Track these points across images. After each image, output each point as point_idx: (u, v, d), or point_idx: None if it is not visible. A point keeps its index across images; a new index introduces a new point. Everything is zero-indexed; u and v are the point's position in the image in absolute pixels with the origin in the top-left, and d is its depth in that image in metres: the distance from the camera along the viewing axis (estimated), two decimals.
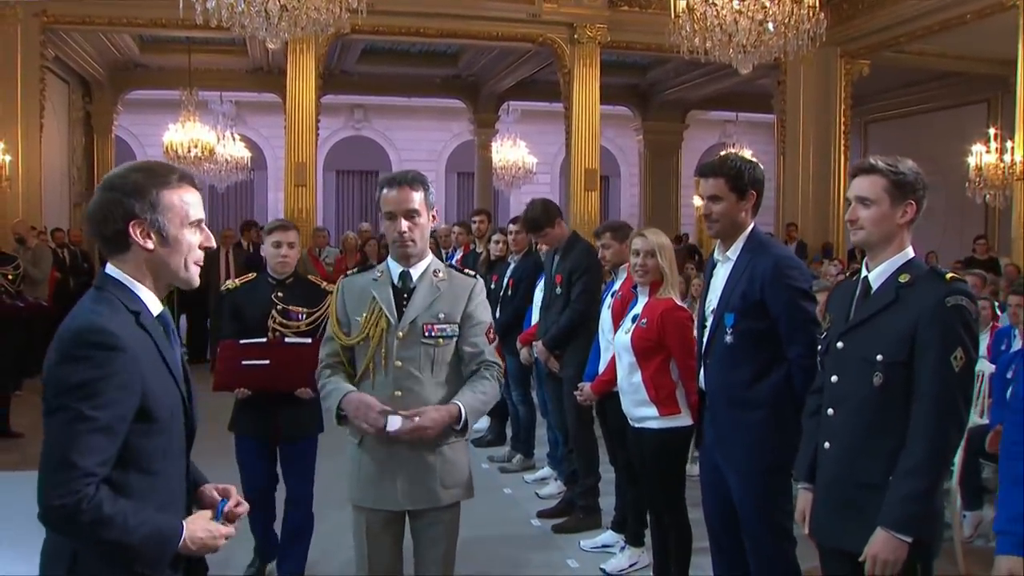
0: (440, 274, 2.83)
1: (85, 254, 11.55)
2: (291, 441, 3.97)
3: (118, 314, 1.77)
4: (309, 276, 4.39)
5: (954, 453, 2.59)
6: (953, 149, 12.67)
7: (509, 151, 15.95)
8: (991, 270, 8.64)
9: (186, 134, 13.52)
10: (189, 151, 13.41)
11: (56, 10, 10.65)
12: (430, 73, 15.53)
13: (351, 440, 2.83)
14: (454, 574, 2.87)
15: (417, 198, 2.76)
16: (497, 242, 6.63)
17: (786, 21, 7.58)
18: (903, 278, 2.42)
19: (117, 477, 1.71)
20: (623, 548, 4.50)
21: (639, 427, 3.82)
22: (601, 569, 4.41)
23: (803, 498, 2.64)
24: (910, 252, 2.48)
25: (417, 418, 2.62)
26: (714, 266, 3.20)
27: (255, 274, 4.12)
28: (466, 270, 2.96)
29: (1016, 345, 5.22)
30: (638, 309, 3.86)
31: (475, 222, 7.37)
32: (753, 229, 3.11)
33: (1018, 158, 9.37)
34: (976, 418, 4.81)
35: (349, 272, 3.00)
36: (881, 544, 2.31)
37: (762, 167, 3.22)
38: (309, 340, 3.83)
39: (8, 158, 10.27)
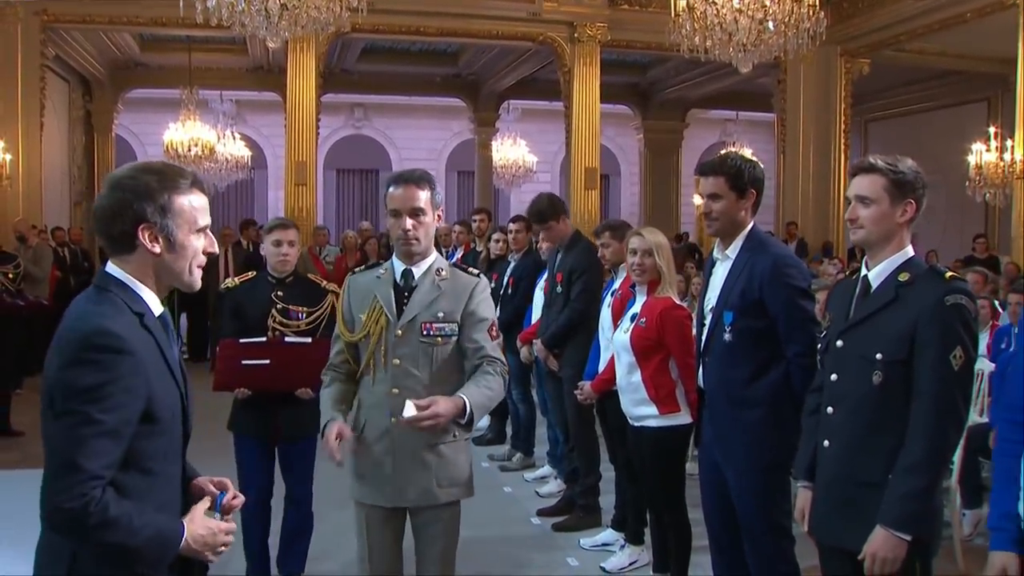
0: (443, 273, 2.82)
1: (86, 253, 11.57)
2: (291, 441, 3.95)
3: (122, 315, 1.76)
4: (309, 275, 4.35)
5: (953, 452, 2.59)
6: (953, 148, 12.65)
7: (509, 150, 15.96)
8: (991, 269, 8.63)
9: (186, 133, 13.52)
10: (189, 150, 13.42)
11: (56, 9, 10.65)
12: (430, 72, 15.53)
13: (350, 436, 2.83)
14: (454, 572, 2.87)
15: (423, 196, 2.75)
16: (497, 241, 6.64)
17: (786, 20, 7.59)
18: (903, 277, 2.42)
19: (118, 478, 1.71)
20: (623, 546, 4.50)
21: (639, 426, 3.82)
22: (601, 567, 4.41)
23: (802, 496, 2.64)
24: (910, 251, 2.48)
25: (431, 407, 2.58)
26: (713, 264, 3.21)
27: (255, 273, 4.10)
28: (470, 269, 2.95)
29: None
30: (636, 308, 3.86)
31: (475, 221, 7.38)
32: (752, 228, 3.11)
33: (1018, 157, 9.37)
34: (976, 417, 4.81)
35: (356, 270, 3.00)
36: (880, 542, 2.32)
37: (762, 166, 3.23)
38: (309, 339, 3.82)
39: (8, 157, 10.28)
